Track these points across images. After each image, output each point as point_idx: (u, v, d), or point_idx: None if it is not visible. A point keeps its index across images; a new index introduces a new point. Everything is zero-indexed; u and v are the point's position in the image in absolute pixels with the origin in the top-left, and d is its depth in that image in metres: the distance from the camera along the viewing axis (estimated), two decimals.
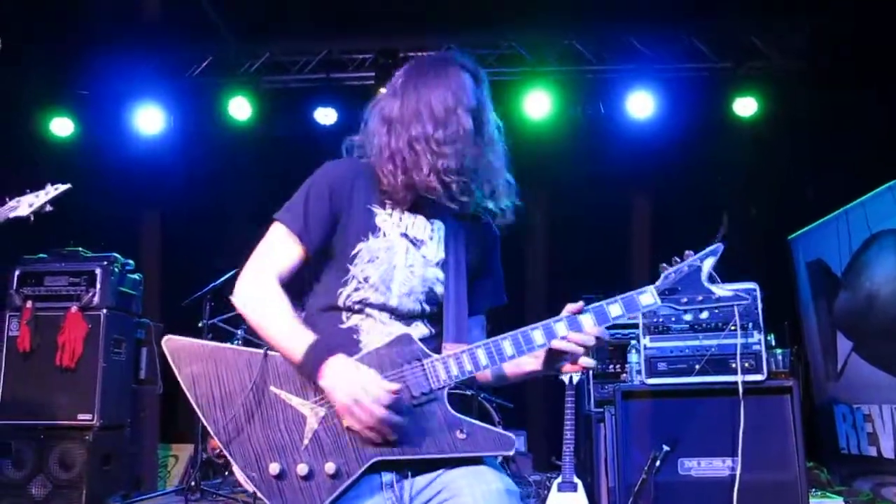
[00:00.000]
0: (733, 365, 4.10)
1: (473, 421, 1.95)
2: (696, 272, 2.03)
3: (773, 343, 4.39)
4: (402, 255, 2.10)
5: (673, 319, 4.27)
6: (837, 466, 5.70)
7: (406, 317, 2.10)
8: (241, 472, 1.93)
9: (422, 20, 6.92)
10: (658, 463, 4.11)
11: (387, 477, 1.95)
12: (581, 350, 1.99)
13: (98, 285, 5.13)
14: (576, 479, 4.42)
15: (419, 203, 2.15)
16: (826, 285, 5.90)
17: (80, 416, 4.98)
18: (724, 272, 4.47)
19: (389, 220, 2.12)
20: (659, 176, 6.91)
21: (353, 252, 2.08)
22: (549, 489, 4.55)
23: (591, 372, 5.33)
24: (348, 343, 2.02)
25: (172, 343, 2.02)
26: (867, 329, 5.31)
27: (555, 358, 2.05)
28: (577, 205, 6.98)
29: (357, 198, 2.12)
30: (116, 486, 5.19)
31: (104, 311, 5.11)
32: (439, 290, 2.13)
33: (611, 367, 5.29)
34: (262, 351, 2.00)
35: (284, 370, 1.97)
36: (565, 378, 4.72)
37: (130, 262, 5.46)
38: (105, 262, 5.21)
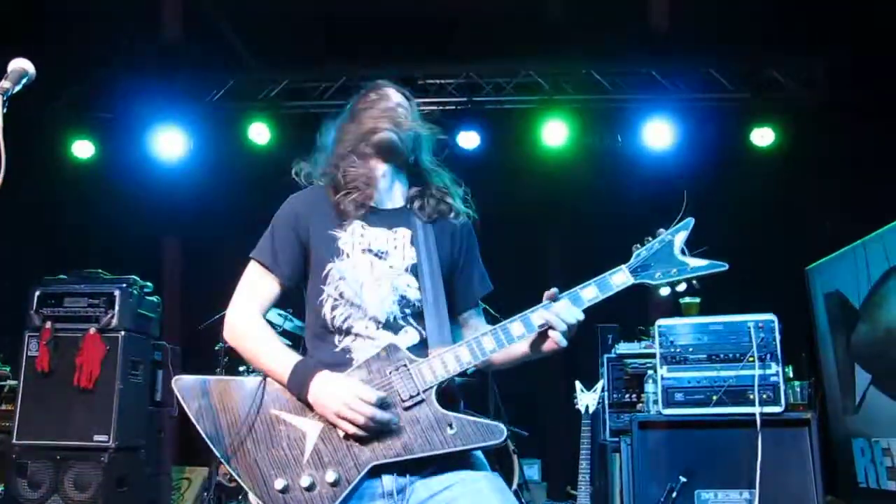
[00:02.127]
0: (751, 396, 4.08)
1: (461, 415, 2.03)
2: (668, 246, 2.10)
3: (792, 375, 4.35)
4: (368, 271, 2.20)
5: (690, 350, 4.26)
6: (856, 501, 5.63)
7: (391, 324, 2.18)
8: (250, 491, 2.03)
9: (440, 48, 7.00)
10: (675, 494, 4.08)
11: (388, 487, 2.02)
12: (561, 322, 2.05)
13: (117, 307, 5.15)
14: None
15: (379, 216, 2.27)
16: (844, 317, 5.86)
17: (97, 438, 4.99)
18: (742, 302, 4.47)
19: (350, 239, 2.22)
20: (676, 205, 6.90)
21: (324, 273, 2.20)
22: None
23: (606, 401, 5.31)
24: (343, 363, 2.12)
25: (181, 382, 2.14)
26: (886, 362, 5.26)
27: (539, 341, 2.13)
28: (594, 233, 6.98)
29: (319, 224, 2.25)
30: None
31: (122, 333, 5.14)
32: (413, 294, 2.22)
33: (627, 396, 5.26)
34: (260, 378, 2.13)
35: (281, 392, 2.10)
36: (581, 407, 4.72)
37: (149, 284, 5.50)
38: (124, 285, 5.24)
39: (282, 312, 5.48)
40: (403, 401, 2.03)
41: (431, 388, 2.04)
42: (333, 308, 2.17)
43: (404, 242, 2.25)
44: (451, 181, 2.42)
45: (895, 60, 5.79)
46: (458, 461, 2.06)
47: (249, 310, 2.21)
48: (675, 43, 6.65)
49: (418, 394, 2.03)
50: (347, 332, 2.16)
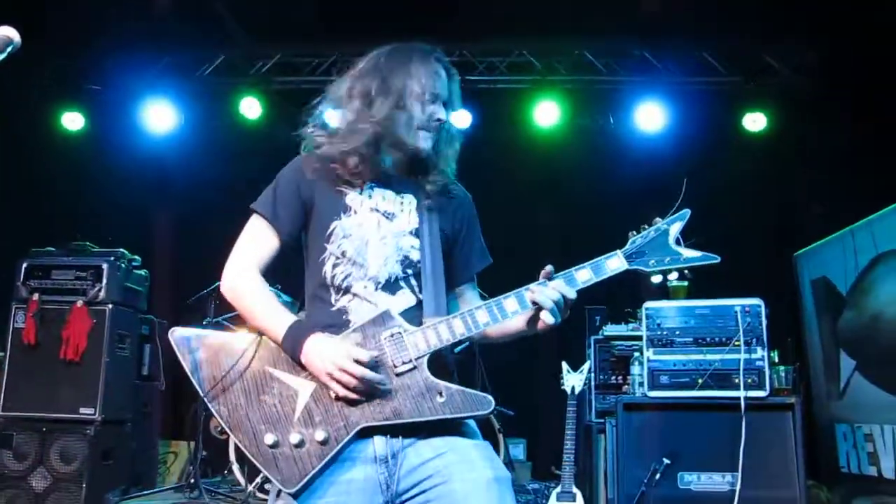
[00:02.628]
0: (736, 380, 4.11)
1: (451, 385, 2.06)
2: (664, 235, 2.14)
3: (777, 360, 4.38)
4: (375, 229, 2.22)
5: (677, 333, 4.28)
6: (837, 485, 5.69)
7: (389, 284, 2.20)
8: (240, 443, 2.07)
9: (434, 25, 6.94)
10: (658, 476, 4.11)
11: (380, 450, 2.05)
12: (550, 301, 2.08)
13: (104, 280, 5.13)
14: (575, 490, 4.43)
15: (388, 179, 2.28)
16: (830, 303, 5.89)
17: (83, 410, 4.99)
18: (729, 286, 4.49)
19: (359, 197, 2.24)
20: (666, 188, 6.90)
21: (329, 231, 2.21)
22: (547, 498, 4.56)
23: (592, 382, 5.34)
24: (339, 323, 2.14)
25: (177, 333, 2.17)
26: (871, 349, 5.30)
27: (534, 318, 2.16)
28: (584, 214, 6.99)
29: (326, 182, 2.25)
30: (116, 481, 5.19)
31: (109, 306, 5.13)
32: (415, 256, 2.24)
33: (613, 378, 5.28)
34: (256, 335, 2.15)
35: (276, 351, 2.13)
36: (567, 388, 4.75)
37: (137, 258, 5.48)
38: (112, 258, 5.22)
39: (271, 289, 5.47)
40: (395, 367, 2.07)
41: (424, 356, 2.07)
42: (335, 266, 2.19)
43: (410, 208, 2.28)
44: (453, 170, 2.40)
45: (889, 49, 5.78)
46: (449, 429, 2.09)
47: (248, 265, 2.21)
48: (668, 25, 6.63)
49: (410, 361, 2.07)
50: (346, 291, 2.18)
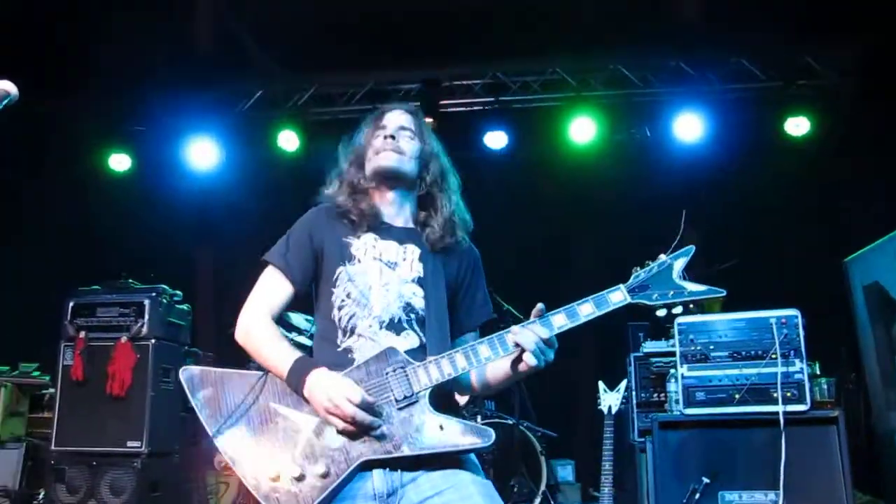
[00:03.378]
0: (775, 395, 3.97)
1: (452, 418, 2.09)
2: (668, 270, 2.15)
3: (819, 371, 4.22)
4: (377, 276, 2.31)
5: (711, 347, 4.16)
6: None
7: (394, 324, 2.26)
8: (242, 479, 2.12)
9: (465, 50, 6.99)
10: (698, 496, 3.99)
11: (379, 487, 2.08)
12: (531, 341, 2.10)
13: (146, 316, 5.25)
14: None
15: (390, 230, 2.39)
16: (884, 309, 5.66)
17: (130, 444, 5.09)
18: (775, 295, 4.36)
19: (363, 247, 2.34)
20: (709, 199, 6.78)
21: (335, 277, 2.32)
22: None
23: (634, 400, 5.24)
24: (344, 362, 2.21)
25: (187, 373, 2.27)
26: None
27: (518, 360, 2.19)
28: (625, 231, 6.89)
29: (334, 233, 2.37)
30: None
31: (152, 341, 5.24)
32: (418, 303, 2.31)
33: (655, 395, 5.17)
34: (263, 373, 2.23)
35: (281, 388, 2.20)
36: (604, 408, 4.67)
37: (179, 293, 5.60)
38: (153, 294, 5.35)
39: (309, 318, 5.54)
40: (398, 401, 2.10)
41: (426, 390, 2.11)
42: (340, 308, 2.27)
43: (413, 258, 2.36)
44: (458, 208, 2.48)
45: None
46: (449, 463, 2.11)
47: (259, 311, 2.31)
48: (703, 33, 6.53)
49: (413, 395, 2.11)
50: (352, 332, 2.25)
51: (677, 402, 4.21)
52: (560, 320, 2.13)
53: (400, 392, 2.10)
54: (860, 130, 6.43)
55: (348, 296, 2.27)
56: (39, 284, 6.54)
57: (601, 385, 4.77)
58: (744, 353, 4.12)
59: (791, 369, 3.99)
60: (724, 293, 2.13)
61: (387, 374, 2.13)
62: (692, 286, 2.13)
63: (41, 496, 5.21)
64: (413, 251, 2.37)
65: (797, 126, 6.82)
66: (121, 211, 7.32)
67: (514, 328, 2.13)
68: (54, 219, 7.22)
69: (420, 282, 2.32)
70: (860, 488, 5.30)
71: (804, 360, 4.00)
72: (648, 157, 7.22)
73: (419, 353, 2.22)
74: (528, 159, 7.35)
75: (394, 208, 2.42)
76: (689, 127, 6.96)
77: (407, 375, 2.12)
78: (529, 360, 2.11)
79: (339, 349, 2.24)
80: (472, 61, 7.29)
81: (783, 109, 6.89)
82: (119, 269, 5.69)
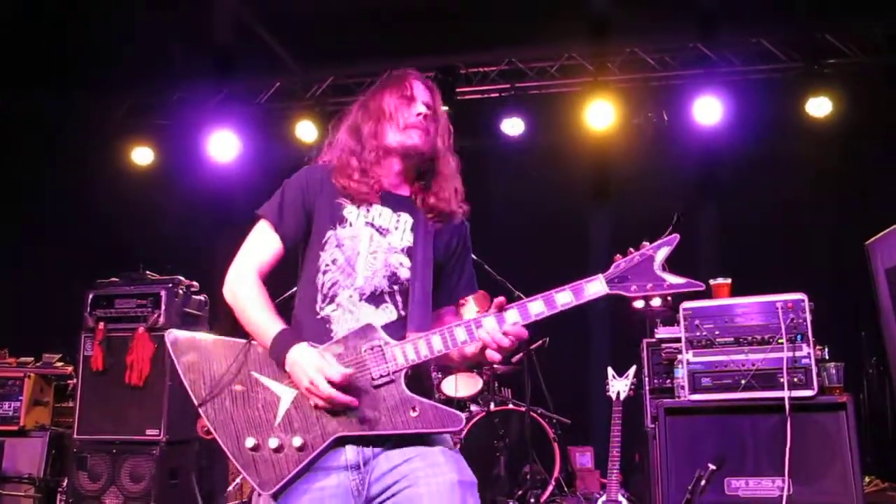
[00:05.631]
0: (781, 380, 3.92)
1: (425, 400, 2.11)
2: (649, 261, 2.10)
3: (827, 356, 4.15)
4: (366, 242, 2.29)
5: (717, 333, 4.12)
6: None
7: (374, 297, 2.26)
8: (223, 444, 2.14)
9: (481, 37, 6.96)
10: (703, 482, 3.96)
11: (352, 458, 2.11)
12: (492, 340, 2.09)
13: (163, 307, 5.35)
14: (621, 498, 4.32)
15: (387, 197, 2.34)
16: None
17: (148, 432, 5.20)
18: (797, 279, 4.29)
19: (356, 211, 2.32)
20: (728, 183, 6.69)
21: (324, 239, 2.29)
22: None
23: (647, 387, 5.21)
24: (322, 332, 2.21)
25: (173, 336, 2.29)
26: None
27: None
28: (643, 217, 6.81)
29: (327, 193, 2.33)
30: (185, 499, 5.39)
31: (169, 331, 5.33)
32: (403, 273, 2.29)
33: (668, 381, 5.13)
34: (246, 341, 2.23)
35: (264, 357, 2.20)
36: (612, 394, 4.65)
37: (195, 283, 5.69)
38: (170, 285, 5.44)
39: None
40: (374, 379, 2.12)
41: (401, 370, 2.12)
42: (325, 272, 2.27)
43: (405, 227, 2.34)
44: (455, 182, 2.44)
45: None
46: (419, 439, 2.14)
47: (247, 269, 2.29)
48: (723, 14, 6.42)
49: (388, 374, 2.12)
50: (332, 300, 2.25)
51: (683, 387, 4.17)
52: (565, 298, 2.12)
53: (377, 371, 2.12)
54: (884, 110, 6.28)
55: (334, 262, 2.26)
56: (63, 276, 6.70)
57: (610, 371, 4.75)
58: (750, 338, 4.07)
59: (798, 354, 3.95)
60: (703, 286, 2.10)
61: (364, 351, 2.14)
62: (672, 278, 2.09)
63: (65, 483, 5.34)
64: (406, 220, 2.34)
65: (819, 107, 6.66)
66: (144, 204, 7.45)
67: (484, 319, 2.12)
68: (79, 212, 7.38)
69: (409, 252, 2.31)
70: (881, 476, 5.21)
71: (811, 345, 3.94)
72: (667, 142, 7.13)
73: (398, 327, 2.23)
74: (544, 146, 7.31)
75: (397, 178, 2.39)
76: (708, 110, 6.84)
77: (384, 354, 2.13)
78: (494, 356, 2.13)
79: (318, 317, 2.24)
80: (488, 48, 7.26)
81: (805, 90, 6.73)
82: (141, 260, 5.80)
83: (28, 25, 6.41)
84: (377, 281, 2.26)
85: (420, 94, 2.37)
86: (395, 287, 2.27)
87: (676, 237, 2.12)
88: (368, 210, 2.31)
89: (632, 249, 2.14)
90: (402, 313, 2.26)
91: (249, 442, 2.12)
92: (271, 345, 2.15)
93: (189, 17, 6.47)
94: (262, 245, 2.32)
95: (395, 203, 2.35)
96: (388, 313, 2.26)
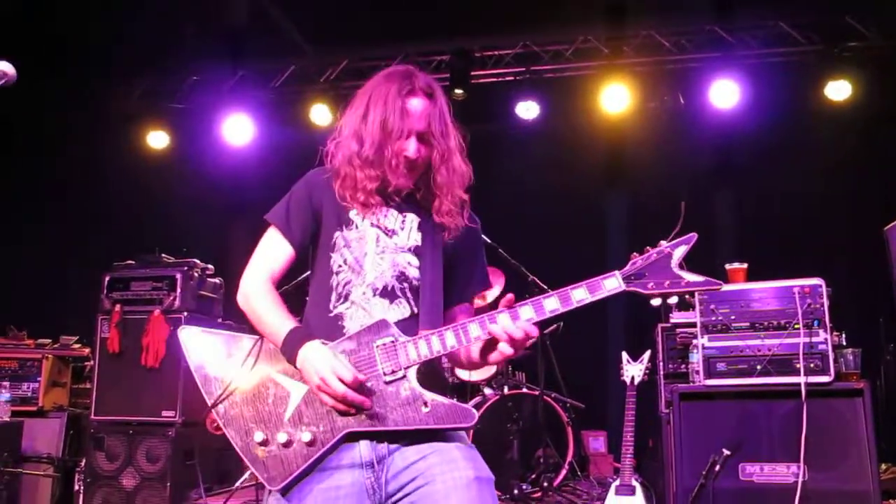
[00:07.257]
0: (798, 365, 3.90)
1: (437, 396, 2.10)
2: (666, 259, 2.08)
3: (845, 342, 4.12)
4: (373, 243, 2.28)
5: (732, 317, 4.10)
6: None
7: (387, 292, 2.26)
8: (232, 440, 2.15)
9: (496, 20, 6.92)
10: (717, 468, 3.95)
11: (366, 455, 2.10)
12: (505, 333, 2.07)
13: (178, 289, 5.40)
14: (634, 483, 4.32)
15: (391, 198, 2.33)
16: None
17: (164, 413, 5.27)
18: (815, 263, 4.25)
19: (362, 212, 2.29)
20: (745, 167, 6.64)
21: (333, 241, 2.30)
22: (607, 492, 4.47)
23: (662, 372, 5.19)
24: (334, 330, 2.21)
25: (185, 332, 2.33)
26: None
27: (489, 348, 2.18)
28: (658, 201, 6.78)
29: (333, 196, 2.30)
30: (200, 479, 5.44)
31: (184, 313, 5.38)
32: (412, 273, 2.29)
33: (682, 366, 5.11)
34: (258, 337, 2.24)
35: (275, 352, 2.21)
36: (626, 378, 4.64)
37: (210, 266, 5.72)
38: (185, 268, 5.48)
39: None
40: (385, 374, 2.11)
41: (413, 366, 2.11)
42: (337, 273, 2.27)
43: (412, 226, 2.33)
44: (457, 198, 2.35)
45: None
46: (433, 436, 2.12)
47: (258, 275, 2.31)
48: None
49: (400, 370, 2.11)
50: (346, 298, 2.25)
51: (697, 372, 4.16)
52: (580, 294, 2.09)
53: (388, 366, 2.11)
54: None
55: (344, 262, 2.27)
56: (80, 259, 6.75)
57: (624, 356, 4.74)
58: (766, 323, 4.05)
59: (815, 340, 3.92)
60: (721, 285, 2.07)
61: (376, 347, 2.14)
62: (690, 276, 2.06)
63: (83, 463, 5.40)
64: (412, 219, 2.34)
65: (838, 91, 6.59)
66: (159, 187, 7.48)
67: (498, 315, 2.10)
68: (96, 196, 7.42)
69: (416, 251, 2.31)
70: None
71: (828, 331, 3.91)
72: (683, 126, 7.07)
73: (411, 323, 2.22)
74: (559, 129, 7.27)
75: (401, 179, 2.35)
76: (724, 94, 6.77)
77: (396, 350, 2.13)
78: (506, 349, 2.10)
79: (331, 314, 2.24)
80: (502, 31, 7.21)
81: (824, 74, 6.65)
82: (157, 243, 5.84)
83: (43, 11, 6.42)
84: (387, 279, 2.26)
85: (415, 119, 2.26)
86: (406, 284, 2.27)
87: (694, 236, 2.09)
88: (374, 213, 2.30)
89: (649, 248, 2.12)
90: (416, 310, 2.26)
91: (258, 437, 2.12)
92: (283, 342, 2.16)
93: (203, 0, 6.47)
94: (273, 251, 2.33)
95: (400, 203, 2.34)
96: (402, 309, 2.26)
